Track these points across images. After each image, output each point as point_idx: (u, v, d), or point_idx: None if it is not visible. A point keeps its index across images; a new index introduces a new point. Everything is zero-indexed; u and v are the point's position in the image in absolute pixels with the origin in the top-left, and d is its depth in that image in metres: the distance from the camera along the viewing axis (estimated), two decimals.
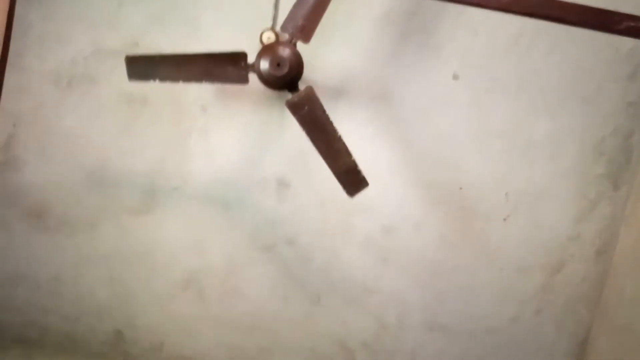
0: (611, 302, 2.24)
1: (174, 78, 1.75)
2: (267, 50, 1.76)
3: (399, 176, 2.14)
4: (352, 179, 1.76)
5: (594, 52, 2.04)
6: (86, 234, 2.18)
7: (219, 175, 2.15)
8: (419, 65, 2.07)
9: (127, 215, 2.16)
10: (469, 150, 2.13)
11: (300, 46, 1.73)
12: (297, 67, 1.75)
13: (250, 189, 2.15)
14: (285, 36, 1.75)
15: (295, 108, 1.70)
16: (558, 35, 2.03)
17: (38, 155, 2.12)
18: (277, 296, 2.23)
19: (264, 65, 1.73)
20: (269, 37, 1.95)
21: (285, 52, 1.72)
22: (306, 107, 1.70)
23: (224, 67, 1.74)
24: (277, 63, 1.72)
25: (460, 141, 2.12)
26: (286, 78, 1.73)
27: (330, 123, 1.70)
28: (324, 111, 1.70)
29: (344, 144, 1.72)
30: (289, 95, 1.73)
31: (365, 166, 1.73)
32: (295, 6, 1.65)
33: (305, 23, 1.64)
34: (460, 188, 2.15)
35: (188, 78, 1.75)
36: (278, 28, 1.88)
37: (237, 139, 2.13)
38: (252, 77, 1.76)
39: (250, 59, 1.73)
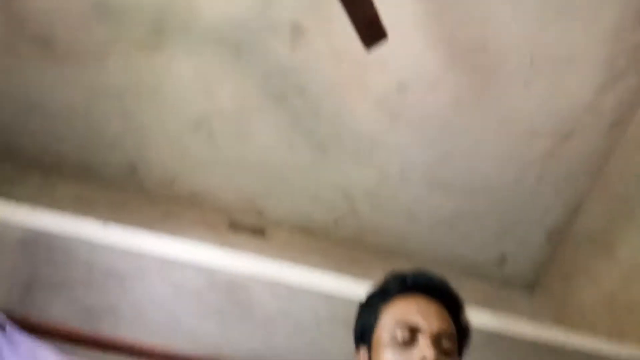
0: (614, 174, 2.28)
1: None
2: None
3: (420, 30, 2.01)
4: (371, 30, 1.66)
5: None
6: (95, 66, 2.14)
7: (231, 16, 2.03)
8: None
9: (135, 50, 2.10)
10: (499, 6, 1.96)
11: None
12: None
13: (263, 34, 2.04)
14: None
15: None
16: None
17: None
18: (285, 144, 2.27)
19: None
20: None
21: None
22: None
23: None
24: None
25: None
26: None
27: None
28: None
29: None
30: None
31: (385, 17, 1.62)
32: None
33: None
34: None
35: None
36: None
37: None
38: None
39: None
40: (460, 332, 1.02)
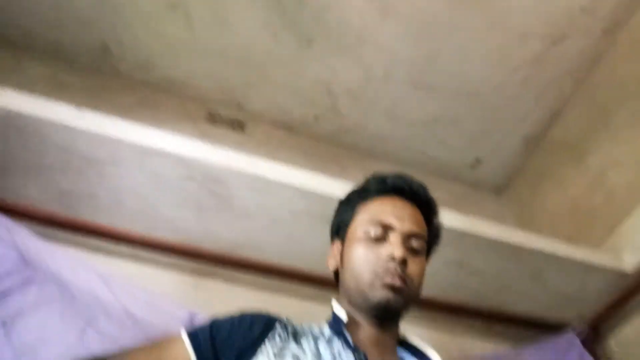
0: (598, 82, 2.28)
1: None
2: None
3: None
4: None
5: None
6: None
7: None
8: None
9: None
10: None
11: None
12: None
13: None
14: None
15: None
16: None
17: None
18: (269, 34, 2.17)
19: None
20: None
21: None
22: None
23: None
24: None
25: None
26: None
27: None
28: None
29: None
30: None
31: None
32: None
33: None
34: None
35: None
36: None
37: None
38: None
39: None
40: (431, 235, 1.07)
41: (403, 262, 0.93)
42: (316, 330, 0.97)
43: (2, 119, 1.46)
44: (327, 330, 0.97)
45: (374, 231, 0.97)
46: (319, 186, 1.65)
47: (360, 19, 2.12)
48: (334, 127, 2.48)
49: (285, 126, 2.47)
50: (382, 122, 2.46)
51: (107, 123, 1.53)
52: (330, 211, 1.18)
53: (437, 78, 2.30)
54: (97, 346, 1.43)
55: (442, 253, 1.15)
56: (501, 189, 2.73)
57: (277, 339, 0.91)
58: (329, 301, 1.05)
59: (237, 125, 2.38)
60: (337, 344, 0.93)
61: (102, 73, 2.29)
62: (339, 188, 1.57)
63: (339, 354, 0.90)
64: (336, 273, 1.06)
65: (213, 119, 2.37)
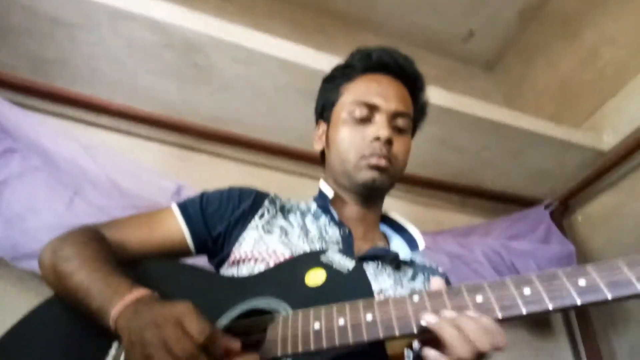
0: None
1: None
2: None
3: None
4: None
5: None
6: None
7: None
8: None
9: None
10: None
11: None
12: None
13: None
14: None
15: None
16: None
17: None
18: None
19: None
20: None
21: None
22: None
23: None
24: None
25: None
26: None
27: None
28: None
29: None
30: None
31: None
32: None
33: None
34: None
35: None
36: None
37: None
38: None
39: None
40: (417, 112, 1.05)
41: (388, 142, 0.92)
42: (303, 206, 0.99)
43: None
44: (313, 206, 0.99)
45: (359, 112, 0.95)
46: (304, 58, 1.58)
47: None
48: None
49: None
50: None
51: None
52: (315, 86, 1.14)
53: None
54: (86, 215, 1.47)
55: (426, 130, 1.14)
56: (491, 65, 2.67)
57: (266, 213, 0.92)
58: (315, 177, 1.07)
59: None
60: (323, 219, 0.95)
61: None
62: (325, 61, 1.50)
63: (325, 229, 0.93)
64: (322, 153, 1.06)
65: None
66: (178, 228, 0.90)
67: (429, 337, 0.59)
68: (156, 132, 1.74)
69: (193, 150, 1.81)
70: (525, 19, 2.44)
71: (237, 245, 0.89)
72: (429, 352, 0.59)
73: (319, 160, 1.10)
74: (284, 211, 0.96)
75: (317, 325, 0.62)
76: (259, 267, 0.83)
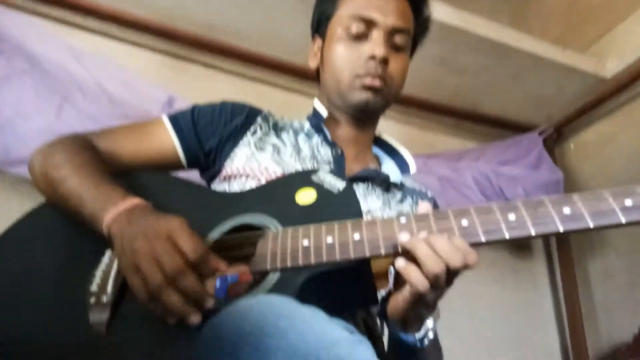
0: None
1: None
2: None
3: None
4: None
5: None
6: None
7: None
8: None
9: None
10: None
11: None
12: None
13: None
14: None
15: None
16: None
17: None
18: None
19: None
20: None
21: None
22: None
23: None
24: None
25: None
26: None
27: None
28: None
29: None
30: None
31: None
32: None
33: None
34: None
35: None
36: None
37: None
38: None
39: None
40: (418, 28, 1.00)
41: (384, 61, 0.88)
42: (296, 125, 0.98)
43: None
44: (307, 125, 0.98)
45: (356, 27, 0.90)
46: None
47: None
48: None
49: None
50: None
51: None
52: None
53: None
54: (76, 122, 1.45)
55: (426, 49, 1.09)
56: None
57: (259, 130, 0.91)
58: (310, 94, 1.04)
59: None
60: (316, 138, 0.94)
61: None
62: None
63: (317, 148, 0.92)
64: (317, 71, 1.02)
65: None
66: (169, 141, 0.89)
67: (409, 257, 0.60)
68: (147, 38, 1.67)
69: (185, 60, 1.75)
70: None
71: (228, 160, 0.89)
72: (398, 260, 0.61)
73: (315, 77, 1.06)
74: (277, 129, 0.95)
75: (305, 242, 0.64)
76: (250, 184, 0.83)
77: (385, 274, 0.71)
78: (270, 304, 0.49)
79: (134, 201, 0.67)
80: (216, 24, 1.67)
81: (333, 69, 0.93)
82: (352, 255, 0.62)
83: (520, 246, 2.12)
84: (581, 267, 2.04)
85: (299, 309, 0.49)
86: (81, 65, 1.52)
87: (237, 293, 0.59)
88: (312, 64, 1.02)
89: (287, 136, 0.94)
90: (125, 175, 0.82)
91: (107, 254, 0.68)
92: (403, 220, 0.64)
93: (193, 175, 0.93)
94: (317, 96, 1.02)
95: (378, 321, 0.84)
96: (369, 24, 0.90)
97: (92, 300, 0.62)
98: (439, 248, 0.58)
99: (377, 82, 0.89)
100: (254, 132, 0.92)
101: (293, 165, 0.87)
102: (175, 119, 0.91)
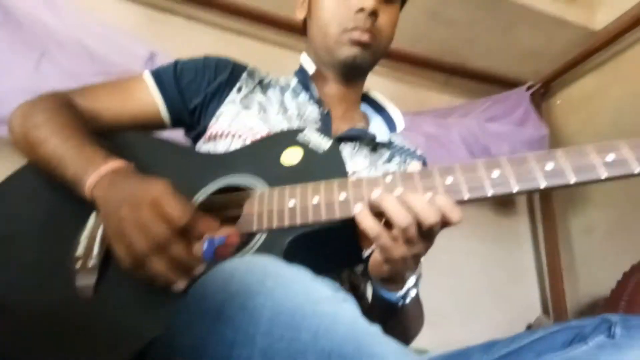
0: None
1: None
2: None
3: None
4: None
5: None
6: None
7: None
8: None
9: None
10: None
11: None
12: None
13: None
14: None
15: None
16: None
17: None
18: None
19: None
20: None
21: None
22: None
23: None
24: None
25: None
26: None
27: None
28: None
29: None
30: None
31: None
32: None
33: None
34: None
35: None
36: None
37: None
38: None
39: None
40: None
41: (373, 14, 0.85)
42: (283, 82, 0.95)
43: None
44: (293, 82, 0.95)
45: None
46: None
47: None
48: None
49: None
50: None
51: None
52: None
53: None
54: (55, 79, 1.40)
55: (416, 0, 1.07)
56: None
57: (244, 87, 0.89)
58: (297, 49, 1.01)
59: None
60: (303, 96, 0.92)
61: None
62: None
63: (304, 106, 0.91)
64: (304, 23, 0.98)
65: None
66: (151, 99, 0.86)
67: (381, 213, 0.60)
68: None
69: (166, 12, 1.69)
70: None
71: (213, 120, 0.87)
72: (355, 207, 0.60)
73: (301, 30, 1.03)
74: (263, 86, 0.92)
75: (291, 203, 0.64)
76: (236, 144, 0.82)
77: None
78: (256, 264, 0.50)
79: (116, 163, 0.66)
80: None
81: (320, 22, 0.89)
82: (337, 215, 0.62)
83: (504, 203, 2.16)
84: (563, 223, 2.08)
85: (284, 268, 0.50)
86: (58, 18, 1.46)
87: (224, 255, 0.60)
88: (299, 14, 0.98)
89: (273, 93, 0.92)
90: (108, 135, 0.80)
91: (92, 216, 0.68)
92: (389, 179, 0.64)
93: (177, 135, 0.92)
94: (304, 50, 0.99)
95: (364, 280, 0.86)
96: None
97: (79, 264, 0.62)
98: (411, 203, 0.58)
99: (365, 37, 0.86)
100: (239, 90, 0.89)
101: (279, 124, 0.86)
102: (158, 76, 0.88)
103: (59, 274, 0.63)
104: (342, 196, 0.63)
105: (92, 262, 0.62)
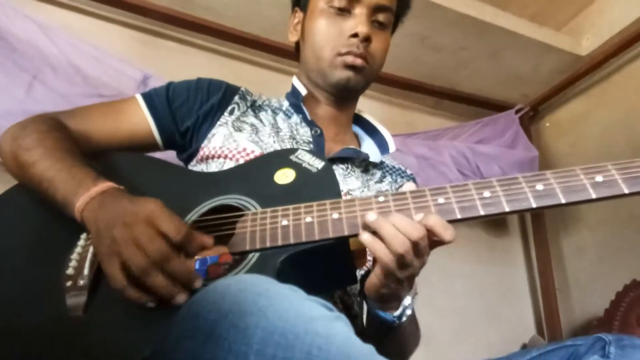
0: None
1: None
2: None
3: None
4: None
5: None
6: None
7: None
8: None
9: None
10: None
11: None
12: None
13: None
14: None
15: None
16: None
17: None
18: None
19: None
20: None
21: None
22: None
23: None
24: None
25: None
26: None
27: None
28: None
29: None
30: None
31: None
32: None
33: None
34: None
35: None
36: None
37: None
38: None
39: None
40: (400, 5, 0.98)
41: (367, 39, 0.87)
42: (275, 103, 0.96)
43: None
44: (285, 104, 0.96)
45: (338, 1, 0.87)
46: None
47: None
48: None
49: None
50: None
51: None
52: None
53: None
54: (47, 102, 1.40)
55: (406, 26, 1.09)
56: None
57: (236, 109, 0.89)
58: (289, 73, 1.02)
59: None
60: (295, 117, 0.93)
61: None
62: None
63: (296, 128, 0.91)
64: (297, 46, 1.00)
65: None
66: (144, 121, 0.86)
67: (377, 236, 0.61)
68: (118, 13, 1.63)
69: (159, 36, 1.71)
70: None
71: (205, 141, 0.87)
72: (364, 234, 0.61)
73: (294, 53, 1.04)
74: (255, 108, 0.93)
75: (285, 222, 0.64)
76: (228, 165, 0.82)
77: (364, 253, 0.71)
78: (248, 283, 0.49)
79: (105, 185, 0.66)
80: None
81: (314, 45, 0.91)
82: (331, 234, 0.62)
83: (496, 224, 2.16)
84: (555, 244, 2.09)
85: (277, 287, 0.49)
86: (51, 42, 1.47)
87: (216, 274, 0.59)
88: (292, 37, 1.00)
89: (265, 115, 0.93)
90: (99, 156, 0.80)
91: (83, 237, 0.67)
92: (381, 199, 0.64)
93: (170, 156, 0.92)
94: (296, 74, 1.00)
95: (357, 300, 0.85)
96: None
97: (69, 283, 0.61)
98: (398, 224, 0.59)
99: (359, 61, 0.88)
100: (232, 112, 0.90)
101: (272, 145, 0.86)
102: (149, 98, 0.88)
103: (49, 293, 0.62)
104: (335, 215, 0.63)
105: (83, 281, 0.61)
